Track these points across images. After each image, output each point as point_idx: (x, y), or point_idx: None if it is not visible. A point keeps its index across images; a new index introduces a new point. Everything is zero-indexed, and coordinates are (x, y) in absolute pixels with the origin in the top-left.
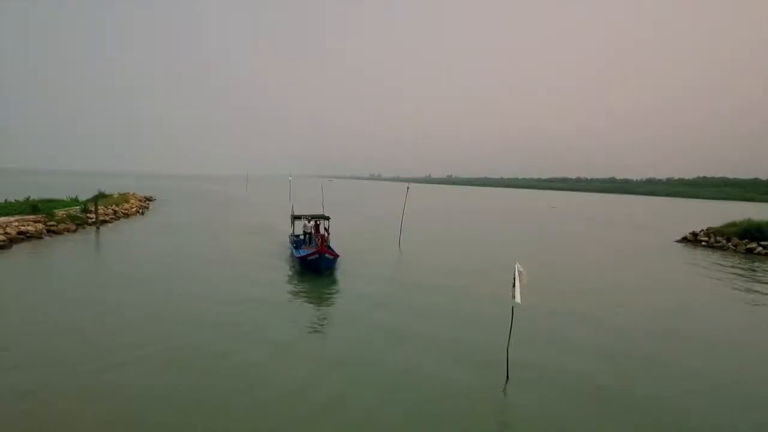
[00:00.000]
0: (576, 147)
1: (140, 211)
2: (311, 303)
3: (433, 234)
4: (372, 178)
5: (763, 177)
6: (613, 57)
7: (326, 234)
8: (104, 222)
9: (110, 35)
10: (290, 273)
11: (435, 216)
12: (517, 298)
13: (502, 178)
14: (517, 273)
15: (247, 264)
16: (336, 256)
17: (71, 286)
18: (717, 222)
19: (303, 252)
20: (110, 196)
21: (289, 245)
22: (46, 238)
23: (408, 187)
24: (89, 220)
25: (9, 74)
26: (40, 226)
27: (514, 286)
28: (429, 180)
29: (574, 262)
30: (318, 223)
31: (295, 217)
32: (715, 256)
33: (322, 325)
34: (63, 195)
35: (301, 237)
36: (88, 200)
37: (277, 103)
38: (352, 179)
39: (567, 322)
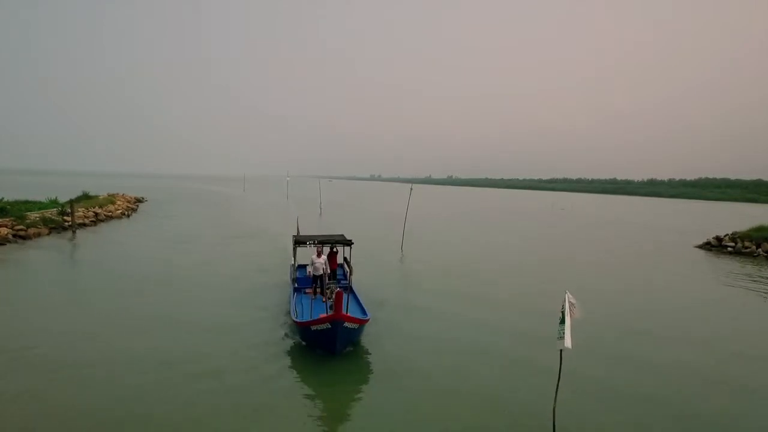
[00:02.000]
0: (577, 147)
1: (126, 213)
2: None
3: (444, 240)
4: (372, 178)
5: (765, 178)
6: (616, 57)
7: (348, 268)
8: (83, 225)
9: (109, 35)
10: (283, 342)
11: (440, 219)
12: (567, 342)
13: (502, 179)
14: (567, 306)
15: (219, 315)
16: (362, 322)
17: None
18: (731, 224)
19: (306, 311)
20: (95, 197)
21: (289, 286)
22: (12, 243)
23: (411, 188)
24: (66, 223)
25: (7, 73)
26: (5, 230)
27: (562, 322)
28: (429, 180)
29: (597, 275)
30: (334, 250)
31: (298, 242)
32: (748, 266)
33: None
34: (53, 195)
35: (308, 274)
36: (65, 203)
37: (277, 103)
38: (352, 180)
39: (615, 365)
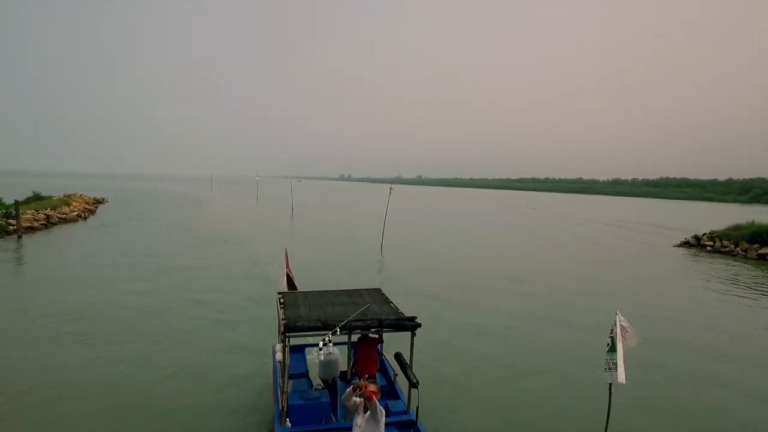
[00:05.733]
0: (543, 148)
1: (83, 215)
2: None
3: (425, 242)
4: (342, 178)
5: (720, 178)
6: (580, 65)
7: (404, 372)
8: (32, 229)
9: (99, 34)
10: None
11: (417, 220)
12: (620, 376)
13: (472, 179)
14: (618, 330)
15: None
16: None
17: None
18: (701, 224)
19: None
20: (49, 198)
21: (271, 421)
22: None
23: (390, 189)
24: (10, 227)
25: None
26: None
27: (612, 350)
28: (399, 180)
29: (596, 277)
30: (370, 335)
31: (291, 330)
32: (729, 264)
33: None
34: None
35: (312, 395)
36: (11, 204)
37: (250, 104)
38: (322, 180)
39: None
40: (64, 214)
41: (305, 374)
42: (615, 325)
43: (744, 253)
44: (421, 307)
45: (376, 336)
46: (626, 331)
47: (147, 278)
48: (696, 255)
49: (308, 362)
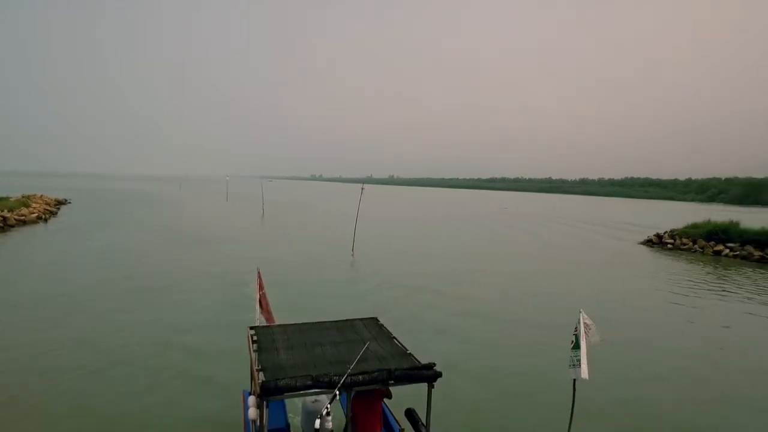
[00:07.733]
0: (513, 148)
1: (44, 217)
2: None
3: (400, 244)
4: (313, 178)
5: (681, 178)
6: (549, 60)
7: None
8: None
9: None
10: None
11: (389, 220)
12: (584, 372)
13: (443, 179)
14: (582, 328)
15: None
16: None
17: None
18: (661, 222)
19: None
20: (6, 198)
21: None
22: None
23: (363, 188)
24: None
25: None
26: None
27: (576, 347)
28: (371, 180)
29: (568, 273)
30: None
31: (269, 389)
32: (686, 261)
33: None
34: None
35: None
36: None
37: (226, 101)
38: (293, 180)
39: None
40: (22, 215)
41: (285, 429)
42: (579, 322)
43: (701, 250)
44: (405, 318)
45: (385, 390)
46: (589, 329)
47: (104, 295)
48: (658, 252)
49: (289, 412)
